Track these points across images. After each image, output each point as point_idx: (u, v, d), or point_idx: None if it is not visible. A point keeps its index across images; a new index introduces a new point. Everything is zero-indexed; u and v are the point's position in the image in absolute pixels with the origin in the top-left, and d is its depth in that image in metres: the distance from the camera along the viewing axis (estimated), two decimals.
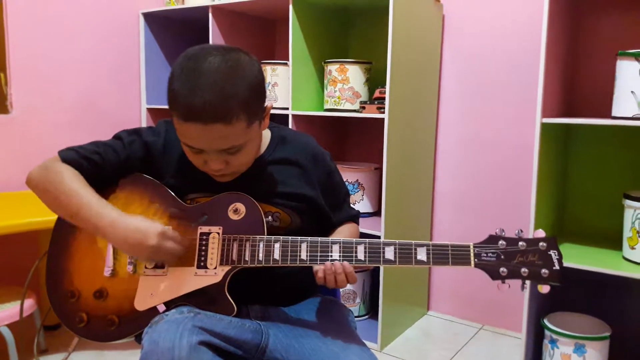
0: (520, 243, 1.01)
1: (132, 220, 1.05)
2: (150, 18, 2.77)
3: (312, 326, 1.12)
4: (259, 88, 1.03)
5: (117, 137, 1.18)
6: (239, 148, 1.03)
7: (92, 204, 1.06)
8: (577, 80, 2.03)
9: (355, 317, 2.34)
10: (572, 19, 1.95)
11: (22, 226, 1.78)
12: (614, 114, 1.67)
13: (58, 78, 2.44)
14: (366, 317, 2.42)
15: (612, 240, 1.89)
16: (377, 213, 2.40)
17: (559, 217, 2.06)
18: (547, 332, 1.84)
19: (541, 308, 1.91)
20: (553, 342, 1.81)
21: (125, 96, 2.75)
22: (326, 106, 2.30)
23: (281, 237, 1.07)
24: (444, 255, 1.02)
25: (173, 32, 2.90)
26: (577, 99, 2.03)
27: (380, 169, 2.37)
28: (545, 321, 1.84)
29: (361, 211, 2.33)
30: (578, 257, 1.74)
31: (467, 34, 2.33)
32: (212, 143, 1.01)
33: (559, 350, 1.79)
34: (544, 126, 1.73)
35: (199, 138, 1.00)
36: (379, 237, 2.09)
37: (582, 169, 2.03)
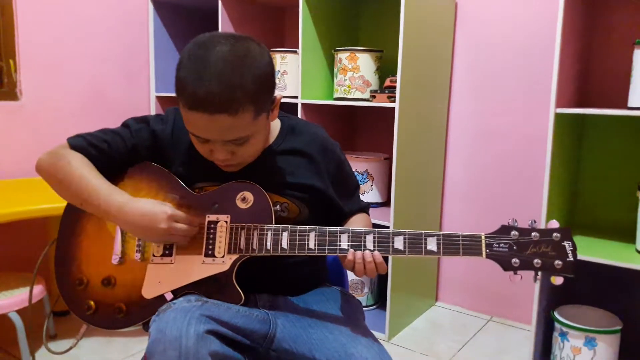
0: (534, 233, 0.98)
1: (141, 204, 1.05)
2: (160, 5, 2.76)
3: (320, 316, 1.12)
4: (267, 79, 1.01)
5: (125, 125, 1.17)
6: (245, 139, 1.02)
7: (101, 189, 1.06)
8: (591, 70, 1.99)
9: (363, 307, 2.34)
10: (588, 7, 1.91)
11: (32, 213, 1.78)
12: (630, 104, 1.63)
13: (67, 65, 2.44)
14: (374, 307, 2.42)
15: (626, 232, 1.86)
16: (386, 203, 2.38)
17: (571, 209, 2.03)
18: (557, 325, 1.82)
19: (551, 300, 1.89)
20: (563, 334, 1.79)
21: (134, 84, 2.74)
22: (336, 95, 2.28)
23: (289, 226, 1.06)
24: (454, 245, 1.00)
25: (182, 20, 2.89)
26: (591, 89, 2.00)
27: (390, 159, 2.35)
28: (556, 314, 1.82)
29: (370, 201, 2.32)
30: (590, 250, 1.71)
31: (480, 22, 2.29)
32: (218, 133, 0.99)
33: (569, 343, 1.77)
34: (558, 116, 1.70)
35: (204, 128, 0.99)
36: (387, 228, 2.07)
37: (596, 160, 2.00)
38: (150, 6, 2.73)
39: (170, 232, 1.04)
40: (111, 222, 1.10)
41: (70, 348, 1.26)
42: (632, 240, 1.76)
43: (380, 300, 2.44)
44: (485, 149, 2.34)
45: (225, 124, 0.97)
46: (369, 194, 2.34)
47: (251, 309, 1.07)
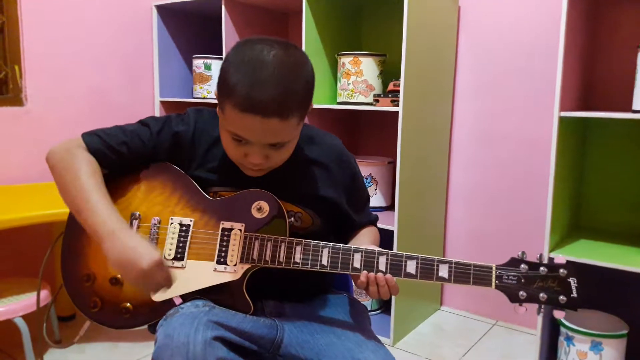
0: (542, 268, 1.01)
1: (134, 237, 1.00)
2: (164, 11, 2.77)
3: (327, 322, 1.11)
4: (312, 86, 1.04)
5: (144, 123, 1.14)
6: (284, 144, 1.02)
7: (99, 208, 1.02)
8: (595, 73, 1.99)
9: (368, 311, 2.33)
10: (591, 10, 1.91)
11: (37, 218, 1.78)
12: (634, 107, 1.63)
13: (72, 71, 2.45)
14: (379, 311, 2.42)
15: (631, 236, 1.86)
16: (390, 207, 2.38)
17: (576, 213, 2.03)
18: (562, 329, 1.81)
19: None
20: (569, 339, 1.78)
21: (139, 89, 2.75)
22: (339, 99, 2.29)
23: (303, 240, 1.05)
24: (465, 274, 1.01)
25: (186, 25, 2.90)
26: (595, 92, 2.00)
27: (393, 163, 2.35)
28: (561, 318, 1.81)
29: (374, 205, 2.32)
30: (595, 254, 1.71)
31: (483, 26, 2.29)
32: (264, 136, 0.99)
33: (575, 348, 1.76)
34: (562, 120, 1.70)
35: (253, 130, 0.98)
36: (392, 232, 2.08)
37: (601, 163, 2.00)
38: (154, 11, 2.74)
39: (148, 275, 0.98)
40: (97, 242, 1.02)
41: (72, 343, 1.25)
42: (637, 243, 1.76)
43: (384, 304, 2.44)
44: (489, 152, 2.34)
45: (275, 128, 0.97)
46: (373, 198, 2.34)
47: (258, 315, 1.07)
